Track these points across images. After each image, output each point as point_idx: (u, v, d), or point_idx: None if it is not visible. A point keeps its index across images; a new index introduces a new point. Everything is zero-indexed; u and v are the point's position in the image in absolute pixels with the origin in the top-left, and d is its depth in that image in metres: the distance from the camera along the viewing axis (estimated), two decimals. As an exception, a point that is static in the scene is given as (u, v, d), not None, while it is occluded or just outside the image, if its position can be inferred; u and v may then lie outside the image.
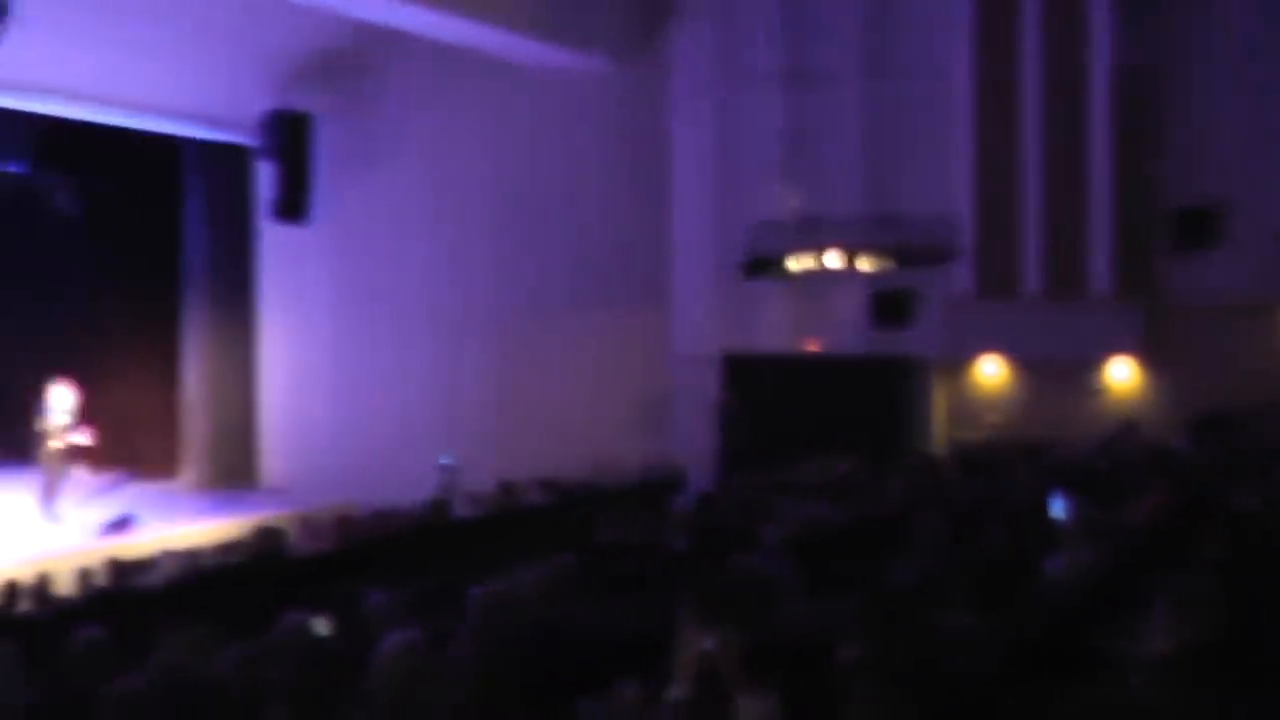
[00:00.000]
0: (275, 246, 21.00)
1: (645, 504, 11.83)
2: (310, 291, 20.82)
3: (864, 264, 16.06)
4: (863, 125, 16.27)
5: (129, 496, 18.35)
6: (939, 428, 16.09)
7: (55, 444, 17.59)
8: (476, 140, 19.32)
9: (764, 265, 16.50)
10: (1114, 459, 11.40)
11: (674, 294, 17.58)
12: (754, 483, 12.39)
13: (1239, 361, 14.40)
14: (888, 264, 15.98)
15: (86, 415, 18.02)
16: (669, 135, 17.61)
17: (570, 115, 18.64)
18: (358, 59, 19.87)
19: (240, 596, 9.94)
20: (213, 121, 19.83)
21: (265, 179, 20.21)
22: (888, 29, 16.16)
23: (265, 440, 21.27)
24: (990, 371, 15.92)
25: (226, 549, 11.81)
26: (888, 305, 15.94)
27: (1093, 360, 15.33)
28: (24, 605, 10.10)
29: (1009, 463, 11.77)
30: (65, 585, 10.80)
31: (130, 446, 20.61)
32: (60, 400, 17.77)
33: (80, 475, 18.22)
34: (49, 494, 17.43)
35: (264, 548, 11.60)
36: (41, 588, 10.36)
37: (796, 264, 16.37)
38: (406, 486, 15.59)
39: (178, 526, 16.43)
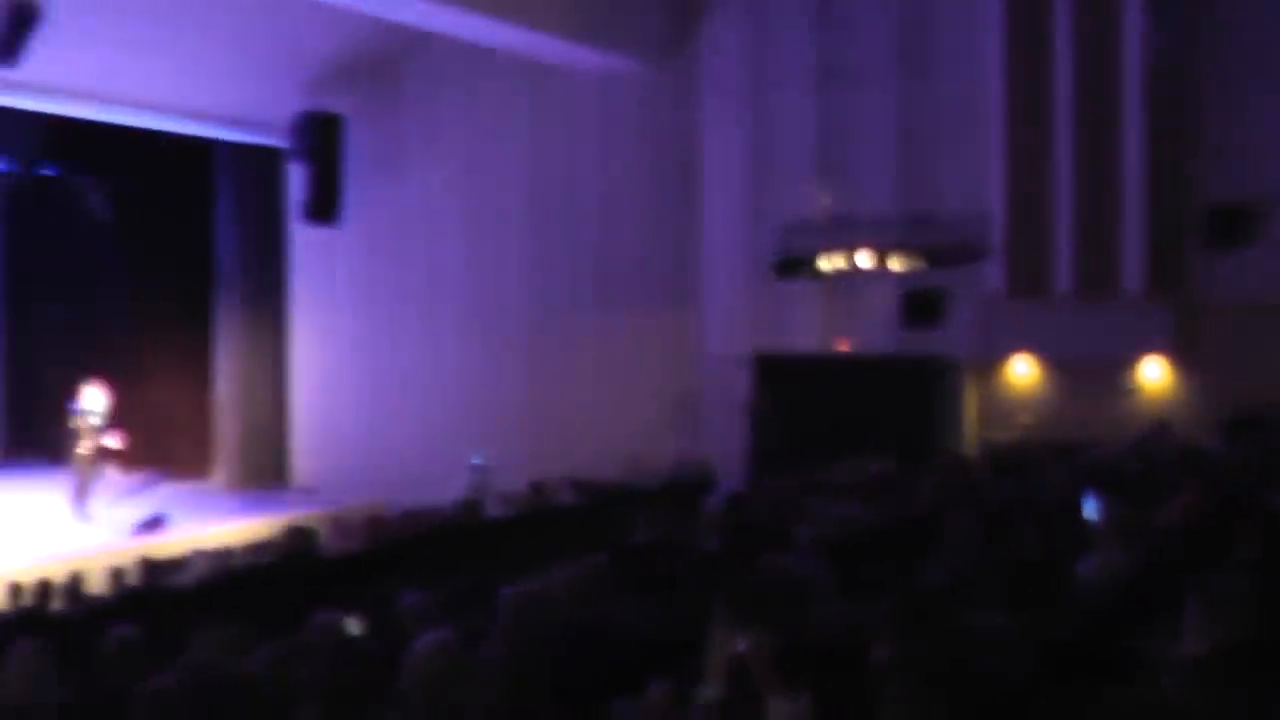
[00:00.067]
0: (306, 248, 21.07)
1: (676, 504, 11.82)
2: (341, 292, 20.87)
3: (895, 263, 16.02)
4: (894, 124, 16.25)
5: (161, 496, 18.43)
6: (970, 428, 16.04)
7: (88, 444, 17.68)
8: (507, 141, 19.35)
9: (795, 265, 16.48)
10: (1146, 459, 11.33)
11: (705, 294, 17.57)
12: (785, 483, 12.37)
13: (1273, 361, 14.29)
14: (919, 263, 15.94)
15: (119, 416, 18.12)
16: (700, 135, 17.60)
17: (601, 116, 18.65)
18: (388, 60, 19.91)
19: (271, 596, 9.97)
20: (244, 123, 19.90)
21: (296, 180, 20.24)
22: (919, 28, 16.13)
23: (296, 440, 21.34)
24: (1022, 371, 15.86)
25: (258, 549, 11.86)
26: (919, 305, 15.89)
27: (1125, 360, 15.26)
28: (57, 604, 10.16)
29: (1040, 463, 11.72)
30: (98, 584, 10.86)
31: (162, 447, 20.73)
32: (93, 401, 17.87)
33: (112, 475, 18.31)
34: (81, 494, 17.53)
35: (295, 547, 11.64)
36: (74, 587, 10.42)
37: (827, 263, 16.34)
38: (437, 486, 15.64)
39: (209, 526, 16.49)
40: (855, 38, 16.50)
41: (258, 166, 20.83)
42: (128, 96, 17.97)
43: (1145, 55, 14.68)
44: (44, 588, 10.28)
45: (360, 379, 20.66)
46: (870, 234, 16.19)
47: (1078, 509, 7.98)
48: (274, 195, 21.06)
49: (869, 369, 16.30)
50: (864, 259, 16.14)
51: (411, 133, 20.09)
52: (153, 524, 16.15)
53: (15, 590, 10.47)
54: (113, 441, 17.84)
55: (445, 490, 15.03)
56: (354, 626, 7.11)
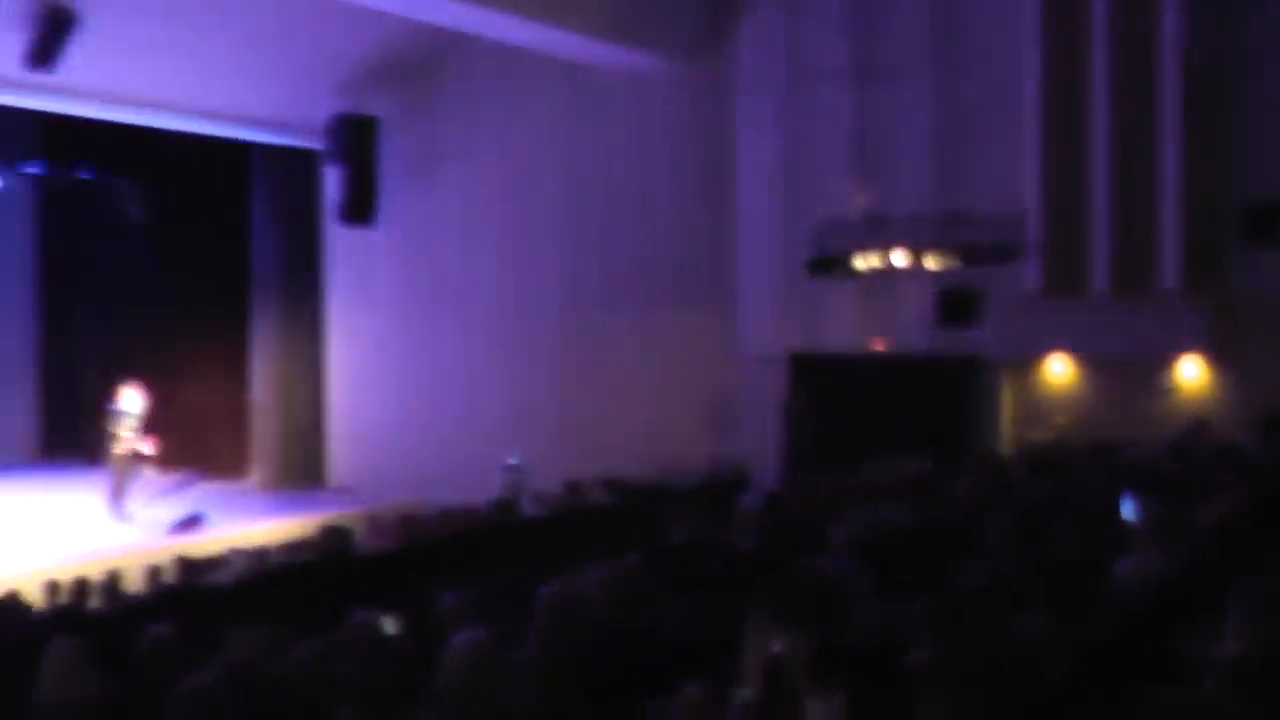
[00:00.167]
0: (342, 249, 21.14)
1: (711, 504, 11.80)
2: (377, 293, 20.93)
3: (931, 262, 15.99)
4: (929, 122, 16.19)
5: (197, 496, 18.51)
6: (1006, 428, 15.97)
7: (125, 445, 17.78)
8: (542, 141, 19.36)
9: (830, 264, 16.46)
10: (1184, 458, 11.26)
11: (740, 293, 17.54)
12: (821, 483, 12.34)
13: (1311, 359, 14.24)
14: (955, 262, 15.90)
15: (157, 417, 18.23)
16: (735, 134, 17.58)
17: (636, 115, 18.65)
18: (423, 63, 19.95)
19: (307, 595, 9.99)
20: (280, 126, 19.98)
21: (332, 182, 20.34)
22: (955, 25, 16.07)
23: (333, 440, 21.41)
24: (1058, 370, 15.78)
25: (294, 548, 11.90)
26: (954, 304, 15.86)
27: (1161, 359, 15.16)
28: (94, 602, 10.22)
29: (1077, 463, 11.66)
30: (135, 583, 10.91)
31: (199, 447, 20.85)
32: (130, 402, 17.97)
33: (149, 476, 18.41)
34: (118, 494, 17.63)
35: (331, 547, 11.67)
36: (111, 585, 10.47)
37: (863, 262, 16.32)
38: (472, 486, 15.65)
39: (245, 526, 16.56)
40: (891, 35, 16.46)
41: (294, 169, 20.92)
42: (164, 100, 18.06)
43: (1182, 52, 14.58)
44: (81, 586, 10.34)
45: (396, 379, 20.71)
46: (905, 233, 16.16)
47: (1115, 509, 7.94)
48: (310, 197, 21.14)
49: (904, 368, 16.25)
50: (899, 258, 16.12)
51: (446, 134, 20.13)
52: (189, 523, 16.24)
53: (53, 588, 10.53)
54: (145, 447, 17.96)
55: (480, 490, 15.04)
56: (390, 626, 7.13)
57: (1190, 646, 5.00)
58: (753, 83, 17.43)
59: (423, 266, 20.52)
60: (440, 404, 20.21)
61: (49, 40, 15.02)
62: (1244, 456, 10.76)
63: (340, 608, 7.18)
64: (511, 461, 16.66)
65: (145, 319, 22.30)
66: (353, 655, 6.14)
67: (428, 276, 20.47)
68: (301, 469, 21.14)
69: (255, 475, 21.27)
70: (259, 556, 11.54)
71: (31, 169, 21.05)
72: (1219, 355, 14.92)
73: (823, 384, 16.55)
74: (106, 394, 18.29)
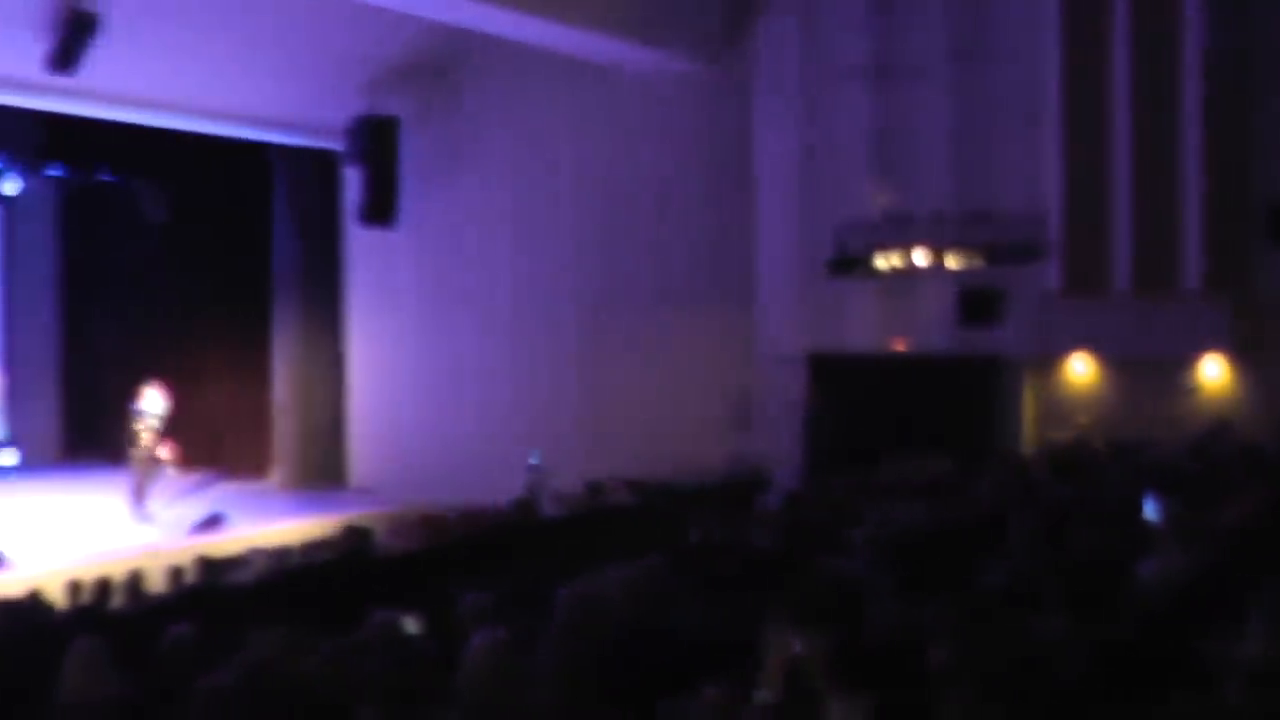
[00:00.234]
0: (362, 250, 21.16)
1: (731, 504, 11.80)
2: (397, 294, 20.95)
3: (952, 261, 15.95)
4: (950, 121, 16.14)
5: (218, 496, 18.56)
6: (1028, 428, 15.93)
7: (147, 445, 17.84)
8: (562, 141, 19.37)
9: (850, 263, 16.43)
10: (1206, 459, 11.23)
11: (759, 293, 17.51)
12: (841, 483, 12.33)
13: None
14: (976, 261, 15.86)
15: (178, 417, 18.28)
16: (754, 134, 17.56)
17: (655, 115, 18.63)
18: (443, 63, 19.97)
19: (329, 595, 10.01)
20: (300, 128, 20.02)
21: (352, 183, 20.35)
22: (975, 22, 16.02)
23: (353, 440, 21.44)
24: (1080, 370, 15.73)
25: (315, 548, 11.92)
26: (975, 303, 15.82)
27: (1184, 358, 15.10)
28: (116, 602, 10.24)
29: (1099, 463, 11.63)
30: (156, 583, 10.93)
31: (220, 447, 20.92)
32: (152, 403, 18.03)
33: (170, 476, 18.47)
34: (139, 495, 17.69)
35: (352, 547, 11.69)
36: (133, 585, 10.50)
37: (883, 262, 16.29)
38: (493, 486, 15.67)
39: (266, 526, 16.59)
40: (910, 34, 16.41)
41: (314, 170, 20.95)
42: (184, 102, 18.10)
43: (1204, 50, 14.52)
44: (103, 586, 10.36)
45: (416, 380, 20.73)
46: (926, 232, 16.13)
47: (1138, 510, 7.91)
48: (330, 198, 21.18)
49: (925, 368, 16.21)
50: (920, 257, 16.09)
51: (466, 134, 20.14)
52: (210, 523, 16.29)
53: (75, 588, 10.56)
54: (163, 452, 18.04)
55: (501, 490, 15.05)
56: (410, 626, 7.13)
57: (1212, 648, 4.98)
58: (772, 82, 17.41)
59: (443, 267, 20.53)
60: (460, 404, 20.22)
61: (71, 43, 15.07)
62: (1266, 457, 10.72)
63: (361, 608, 7.18)
64: (532, 461, 16.67)
65: (166, 320, 22.37)
66: (373, 655, 6.15)
67: (448, 277, 20.48)
68: (322, 469, 21.17)
69: (275, 475, 21.31)
70: (280, 556, 11.56)
71: (52, 171, 21.14)
72: (1241, 355, 14.86)
73: (843, 384, 16.52)
74: (128, 395, 18.35)
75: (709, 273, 18.14)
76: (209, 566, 11.21)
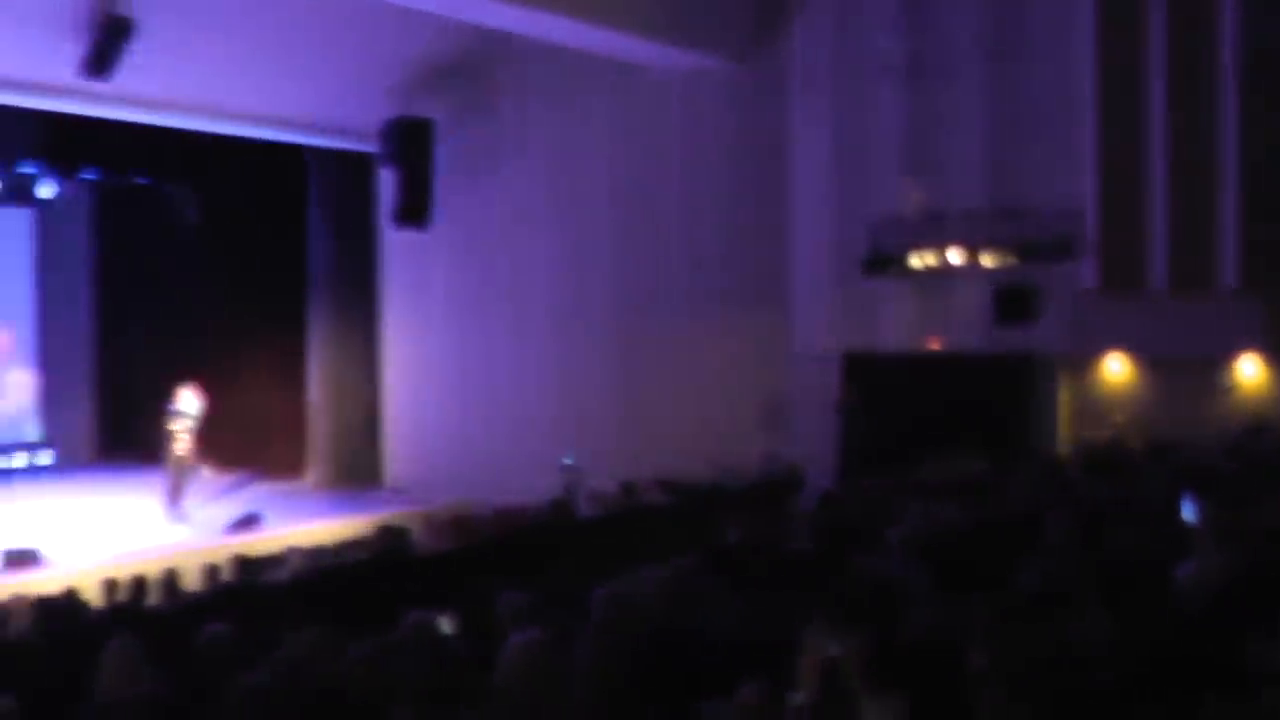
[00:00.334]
0: (397, 251, 21.23)
1: (766, 504, 11.78)
2: (432, 295, 21.00)
3: (986, 260, 15.88)
4: (984, 118, 16.07)
5: (254, 496, 18.64)
6: (1064, 427, 15.84)
7: (182, 446, 17.92)
8: (595, 141, 19.36)
9: (884, 262, 16.38)
10: (1244, 458, 11.15)
11: (794, 292, 17.48)
12: (876, 483, 12.29)
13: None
14: (1010, 259, 15.79)
15: (213, 418, 18.36)
16: (787, 132, 17.53)
17: (689, 114, 18.61)
18: (477, 65, 19.99)
19: (364, 594, 10.03)
20: (334, 130, 20.08)
21: (387, 185, 20.41)
22: (1009, 18, 15.94)
23: (388, 440, 21.50)
24: (1116, 369, 15.64)
25: (350, 547, 11.95)
26: (1011, 301, 15.74)
27: (1221, 357, 14.99)
28: (152, 600, 10.29)
29: (1135, 463, 11.56)
30: (193, 581, 10.98)
31: (255, 448, 20.99)
32: (188, 403, 18.11)
33: (206, 476, 18.56)
34: (175, 495, 17.77)
35: (387, 546, 11.72)
36: (169, 583, 10.55)
37: (918, 260, 16.23)
38: (527, 486, 15.70)
39: (302, 525, 16.65)
40: (944, 31, 16.34)
41: (349, 172, 21.03)
42: (218, 106, 18.18)
43: (1241, 44, 14.41)
44: (139, 584, 10.41)
45: (451, 380, 20.77)
46: (961, 230, 16.06)
47: (1174, 510, 7.86)
48: (365, 200, 21.25)
49: (960, 367, 16.14)
50: (955, 255, 16.02)
51: (500, 136, 20.16)
52: (246, 523, 16.36)
53: (111, 586, 10.61)
54: (196, 453, 18.17)
55: (536, 490, 15.07)
56: (446, 626, 7.14)
57: (1250, 650, 4.94)
58: (805, 81, 17.37)
59: (477, 268, 20.56)
60: (495, 405, 20.25)
61: (106, 48, 15.15)
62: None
63: (396, 607, 7.19)
64: (567, 461, 16.68)
65: (202, 321, 22.48)
66: (408, 655, 6.15)
67: (482, 278, 20.51)
68: (357, 469, 21.24)
69: (311, 475, 21.38)
70: (315, 556, 11.60)
71: (87, 175, 21.26)
72: (1278, 353, 14.75)
73: (877, 383, 16.46)
74: (163, 395, 18.44)
75: (742, 271, 18.11)
76: (245, 565, 11.26)
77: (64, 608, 9.92)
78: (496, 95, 20.18)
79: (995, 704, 4.29)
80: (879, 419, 16.14)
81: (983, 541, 8.41)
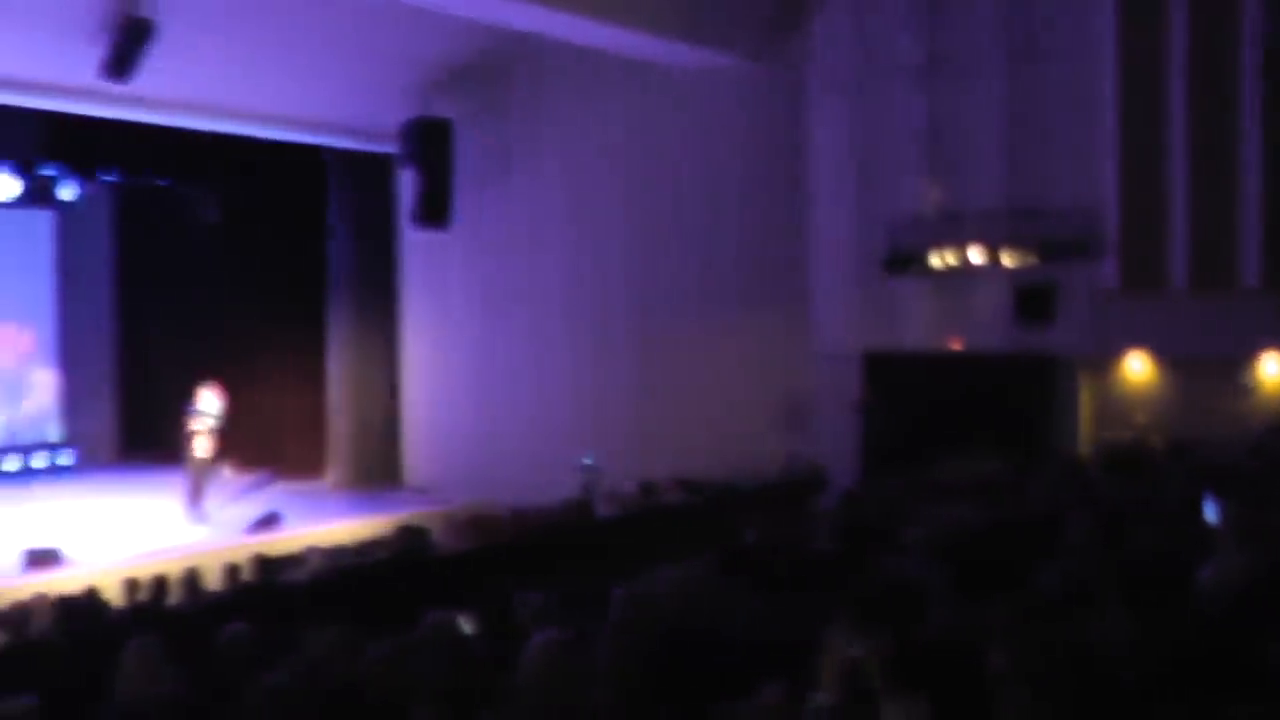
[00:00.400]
0: (417, 252, 21.26)
1: (786, 504, 11.77)
2: (452, 295, 21.02)
3: (1007, 259, 15.84)
4: (1004, 116, 16.02)
5: (275, 496, 18.68)
6: (1085, 427, 15.80)
7: (203, 446, 17.97)
8: (614, 141, 19.36)
9: (905, 261, 16.35)
10: (1266, 458, 11.10)
11: (813, 292, 17.45)
12: (897, 483, 12.26)
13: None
14: (1031, 259, 15.74)
15: (234, 418, 18.42)
16: (806, 132, 17.50)
17: (708, 114, 18.60)
18: (496, 65, 20.01)
19: (384, 594, 10.05)
20: (354, 132, 20.13)
21: (407, 186, 20.44)
22: (1028, 16, 15.89)
23: (408, 441, 21.53)
24: (1137, 368, 15.59)
25: (370, 547, 11.97)
26: (1031, 301, 15.70)
27: (1243, 356, 14.93)
28: (173, 599, 10.32)
29: (1157, 463, 11.52)
30: (213, 581, 11.01)
31: (275, 448, 21.04)
32: (209, 403, 18.15)
33: (227, 475, 18.60)
34: (195, 495, 17.81)
35: (407, 546, 11.73)
36: (190, 582, 10.58)
37: (938, 259, 16.19)
38: (547, 486, 15.71)
39: (322, 525, 16.69)
40: (962, 29, 16.30)
41: (368, 173, 21.07)
42: (238, 107, 18.23)
43: (1264, 41, 14.35)
44: (160, 584, 10.44)
45: (471, 380, 20.80)
46: (981, 229, 16.01)
47: (1196, 509, 7.82)
48: (385, 201, 21.29)
49: (980, 366, 16.10)
50: (975, 254, 15.98)
51: (520, 136, 20.18)
52: (266, 523, 16.40)
53: (132, 586, 10.65)
54: (217, 453, 18.23)
55: (555, 490, 15.08)
56: (465, 626, 7.14)
57: (1273, 651, 4.91)
58: (824, 80, 17.34)
59: (496, 268, 20.58)
60: (514, 404, 20.26)
61: (126, 51, 15.19)
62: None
63: (416, 607, 7.19)
64: (586, 462, 16.68)
65: (222, 322, 22.54)
66: (428, 655, 6.15)
67: (502, 278, 20.53)
68: (377, 469, 21.27)
69: (331, 475, 21.42)
70: (335, 556, 11.62)
71: (108, 177, 21.33)
72: (1301, 353, 14.70)
73: (898, 383, 16.44)
74: (184, 395, 18.49)
75: (761, 271, 18.08)
76: (265, 565, 11.29)
77: (85, 607, 9.97)
78: (515, 95, 20.19)
79: (1016, 704, 4.27)
80: (899, 418, 16.11)
81: (1003, 541, 8.38)
